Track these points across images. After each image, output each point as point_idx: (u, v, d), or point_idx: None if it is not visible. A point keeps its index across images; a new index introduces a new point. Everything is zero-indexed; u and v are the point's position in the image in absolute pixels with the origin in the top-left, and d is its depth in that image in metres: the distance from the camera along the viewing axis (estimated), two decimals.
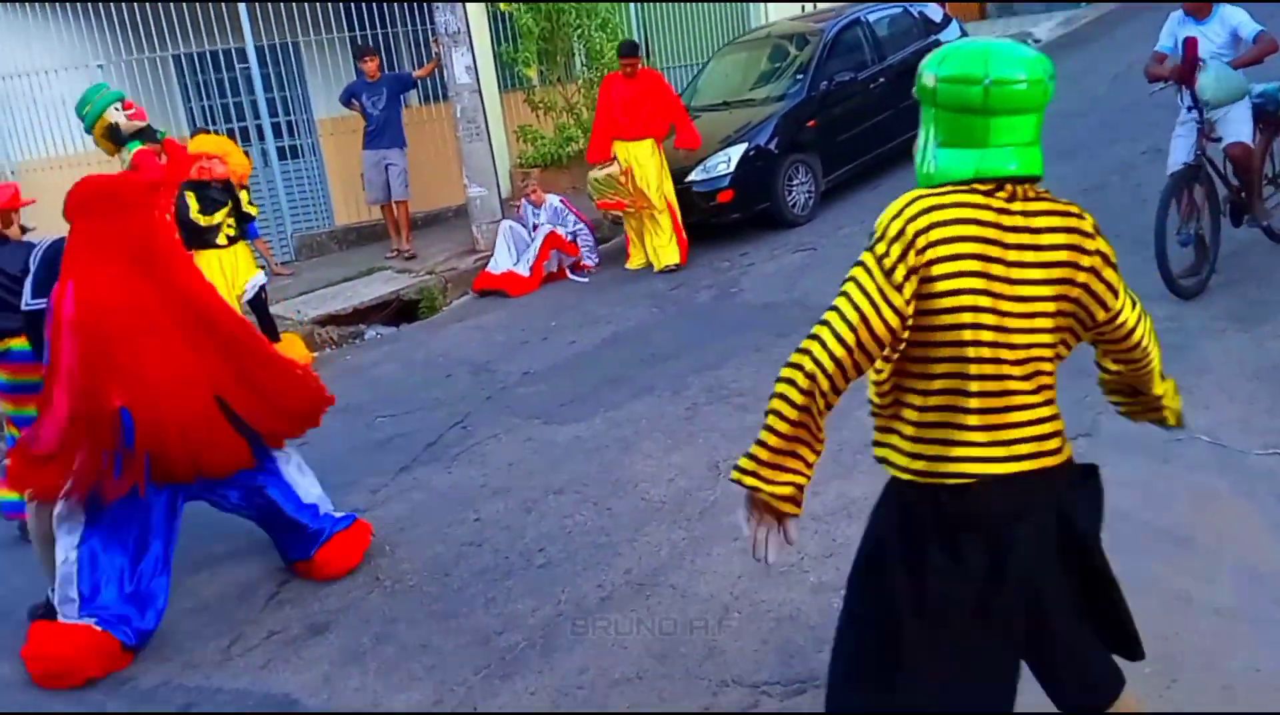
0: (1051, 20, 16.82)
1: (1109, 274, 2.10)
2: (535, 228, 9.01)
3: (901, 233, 2.00)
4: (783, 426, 2.04)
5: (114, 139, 6.39)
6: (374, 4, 10.80)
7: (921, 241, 1.99)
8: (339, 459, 5.66)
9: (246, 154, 8.93)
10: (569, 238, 8.99)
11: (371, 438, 5.98)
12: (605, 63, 11.21)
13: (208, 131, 9.55)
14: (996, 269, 2.01)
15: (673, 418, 5.49)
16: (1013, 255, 2.02)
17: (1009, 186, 2.05)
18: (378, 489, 5.24)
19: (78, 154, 9.71)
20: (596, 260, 9.12)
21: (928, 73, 2.09)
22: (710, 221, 8.91)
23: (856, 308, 1.99)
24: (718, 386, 5.75)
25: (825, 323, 2.02)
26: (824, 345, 2.00)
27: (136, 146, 6.32)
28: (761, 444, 2.07)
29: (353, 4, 10.78)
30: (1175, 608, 3.33)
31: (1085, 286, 2.08)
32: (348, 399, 6.74)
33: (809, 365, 2.00)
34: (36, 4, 9.81)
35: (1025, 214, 2.05)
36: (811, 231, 8.75)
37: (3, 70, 9.92)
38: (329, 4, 10.58)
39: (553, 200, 9.08)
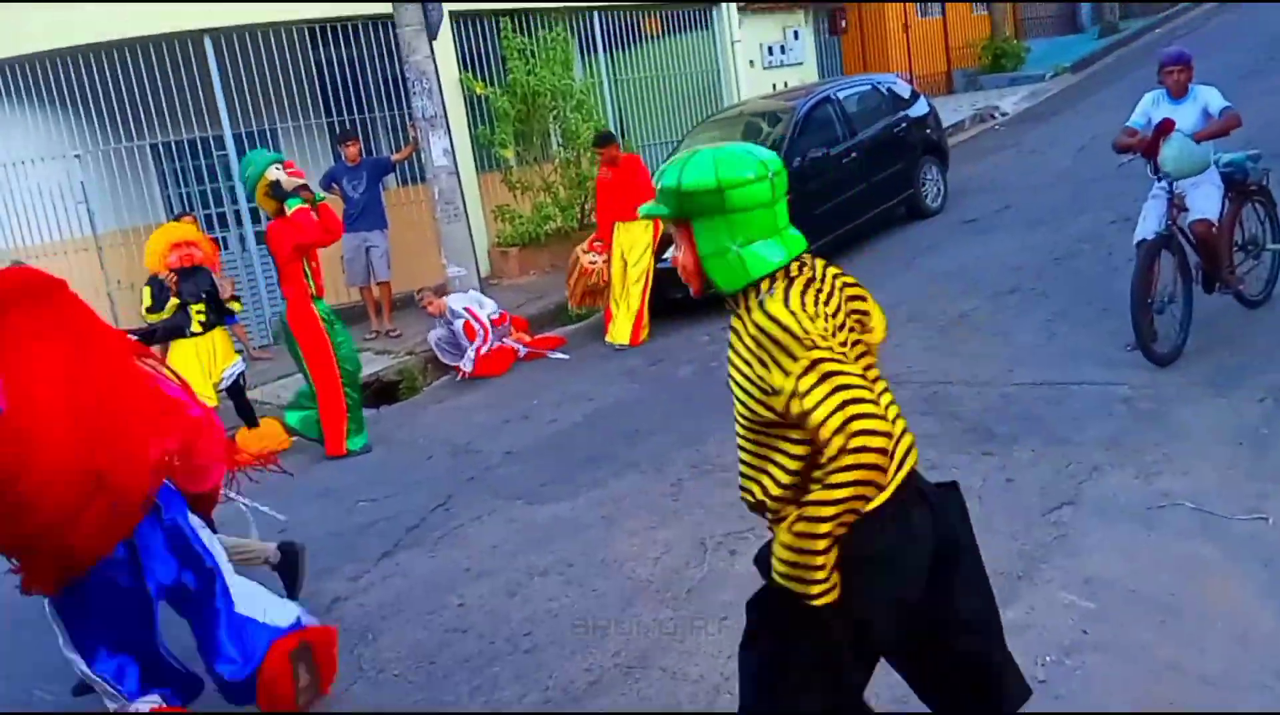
0: (1016, 94, 17.27)
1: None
2: (452, 330, 8.90)
3: None
4: None
5: (276, 196, 6.61)
6: (351, 90, 10.96)
7: None
8: (319, 544, 5.58)
9: (216, 241, 8.97)
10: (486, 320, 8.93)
11: (352, 522, 5.91)
12: (580, 143, 11.41)
13: (188, 216, 9.62)
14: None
15: (657, 494, 5.47)
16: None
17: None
18: (358, 576, 5.16)
19: (52, 243, 9.74)
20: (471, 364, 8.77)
21: (701, 184, 2.32)
22: (689, 296, 8.96)
23: None
24: (702, 462, 5.74)
25: None
26: None
27: (297, 203, 6.53)
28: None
29: (330, 90, 10.94)
30: (1165, 676, 3.32)
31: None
32: (328, 483, 6.70)
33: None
34: (13, 96, 9.88)
35: None
36: None
37: None
38: (306, 91, 10.71)
39: (452, 303, 8.92)
